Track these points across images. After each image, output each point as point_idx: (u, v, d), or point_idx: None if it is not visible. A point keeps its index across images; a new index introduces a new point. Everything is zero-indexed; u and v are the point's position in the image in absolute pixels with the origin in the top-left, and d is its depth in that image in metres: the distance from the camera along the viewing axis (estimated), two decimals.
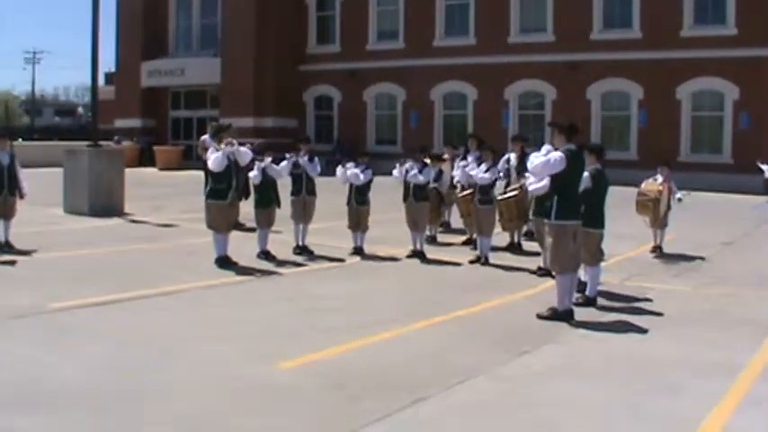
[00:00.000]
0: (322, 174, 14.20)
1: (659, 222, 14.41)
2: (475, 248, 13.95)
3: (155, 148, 41.27)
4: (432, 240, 15.29)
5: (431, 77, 37.83)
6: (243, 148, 12.72)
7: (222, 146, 12.48)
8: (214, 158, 12.37)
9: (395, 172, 13.89)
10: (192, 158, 36.64)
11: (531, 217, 13.08)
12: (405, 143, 37.02)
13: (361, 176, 13.73)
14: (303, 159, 13.75)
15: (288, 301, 10.23)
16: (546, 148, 9.71)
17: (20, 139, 43.82)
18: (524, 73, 35.52)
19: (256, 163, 13.28)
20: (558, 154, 9.30)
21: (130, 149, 37.75)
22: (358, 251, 13.86)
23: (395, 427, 6.02)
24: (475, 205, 13.53)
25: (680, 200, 14.67)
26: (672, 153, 29.34)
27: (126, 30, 45.28)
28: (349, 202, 13.97)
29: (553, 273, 9.89)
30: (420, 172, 13.74)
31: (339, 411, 6.25)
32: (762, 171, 25.25)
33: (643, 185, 14.62)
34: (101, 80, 31.36)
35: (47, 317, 9.00)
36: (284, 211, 13.86)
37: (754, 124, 30.98)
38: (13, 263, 12.48)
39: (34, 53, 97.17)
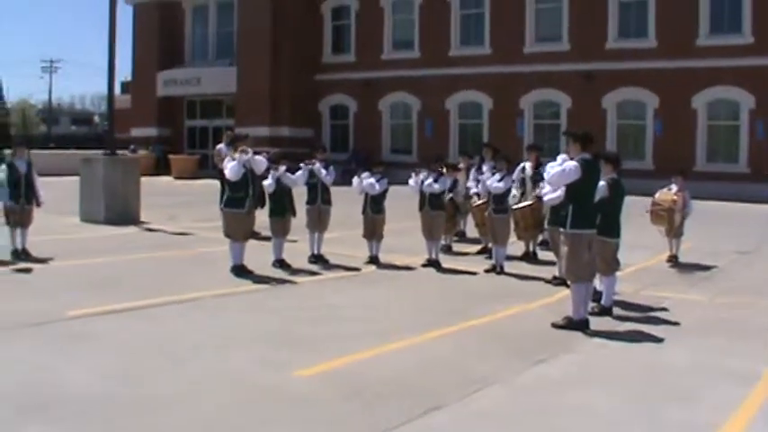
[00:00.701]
0: (338, 183, 14.22)
1: (675, 232, 14.37)
2: (490, 257, 13.95)
3: (170, 156, 41.47)
4: (447, 250, 15.28)
5: (446, 87, 37.88)
6: (258, 157, 12.75)
7: (236, 155, 12.53)
8: (231, 167, 12.41)
9: (411, 181, 13.90)
10: (208, 167, 36.82)
11: (546, 226, 13.07)
12: (420, 152, 37.08)
13: (377, 186, 13.74)
14: (318, 167, 13.78)
15: (303, 309, 10.24)
16: (561, 157, 9.69)
17: (36, 148, 44.01)
18: (540, 82, 35.52)
19: (271, 172, 13.31)
20: (572, 163, 9.29)
21: (146, 158, 37.90)
22: (373, 260, 13.86)
23: None
24: (490, 214, 13.53)
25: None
26: (688, 162, 29.27)
27: (142, 39, 45.59)
28: (364, 211, 13.97)
29: (568, 282, 9.87)
30: (435, 181, 13.75)
31: (354, 419, 6.25)
32: None
33: (657, 195, 14.59)
34: (117, 89, 31.53)
35: (63, 325, 9.03)
36: (299, 220, 13.90)
37: None
38: (29, 271, 12.55)
39: (51, 62, 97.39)
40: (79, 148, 50.85)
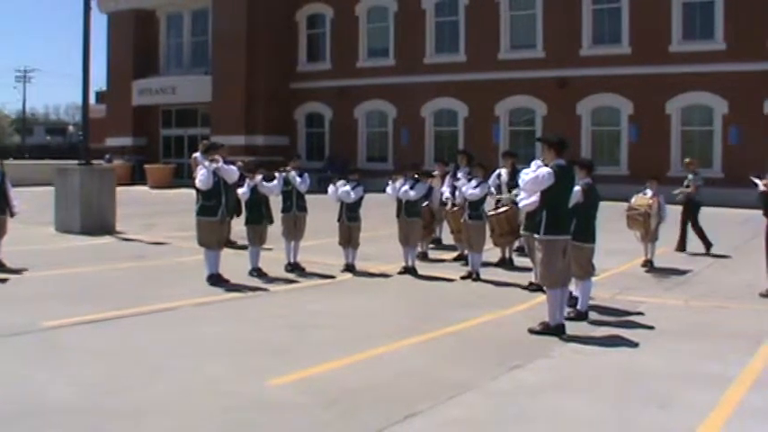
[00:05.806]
0: (313, 191, 14.21)
1: (650, 236, 14.46)
2: (466, 264, 13.97)
3: (146, 166, 41.24)
4: (423, 257, 15.30)
5: (421, 94, 37.87)
6: (230, 166, 12.78)
7: (206, 163, 12.57)
8: (200, 176, 12.44)
9: (388, 189, 13.93)
10: (184, 176, 36.66)
11: (522, 232, 13.11)
12: (396, 160, 37.08)
13: (352, 194, 13.75)
14: (292, 175, 13.79)
15: (279, 317, 10.23)
16: (535, 163, 9.73)
17: (10, 158, 43.81)
18: (514, 89, 35.57)
19: (246, 181, 13.32)
20: (545, 170, 9.33)
21: (121, 168, 37.70)
22: (349, 268, 13.86)
23: None
24: (465, 221, 13.56)
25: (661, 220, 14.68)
26: (662, 168, 29.37)
27: (117, 48, 45.34)
28: (340, 219, 13.97)
29: (544, 288, 9.91)
30: (412, 188, 13.77)
31: (330, 427, 6.25)
32: (755, 185, 25.16)
33: (633, 200, 14.68)
34: (92, 99, 31.41)
35: (39, 335, 8.98)
36: (275, 227, 13.89)
37: (743, 138, 31.08)
38: (4, 281, 12.47)
39: (25, 71, 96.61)
40: (54, 158, 50.65)
